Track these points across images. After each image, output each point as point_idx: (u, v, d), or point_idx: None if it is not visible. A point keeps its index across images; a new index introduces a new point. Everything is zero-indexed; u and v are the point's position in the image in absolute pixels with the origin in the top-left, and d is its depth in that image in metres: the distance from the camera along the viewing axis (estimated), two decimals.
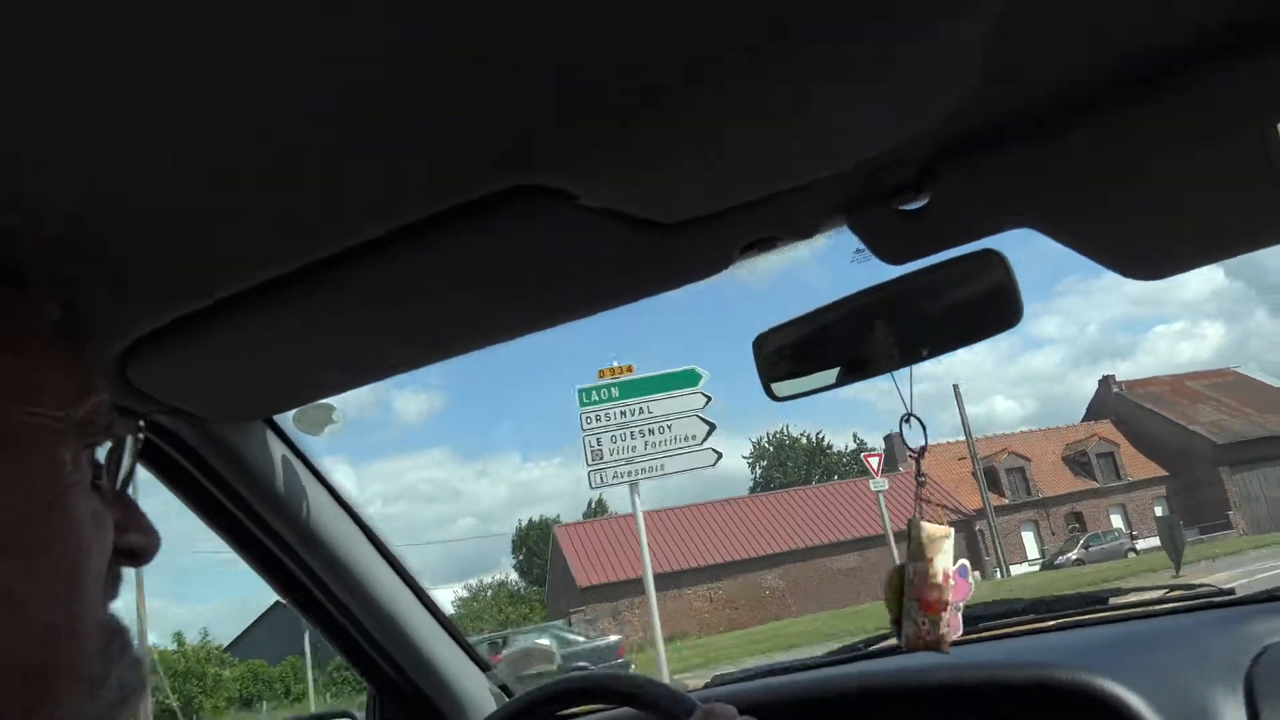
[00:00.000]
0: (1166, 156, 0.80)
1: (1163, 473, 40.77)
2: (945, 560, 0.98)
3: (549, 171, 0.73)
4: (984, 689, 1.25)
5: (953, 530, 0.99)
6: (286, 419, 1.32)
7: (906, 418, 1.02)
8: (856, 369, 1.05)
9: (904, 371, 1.01)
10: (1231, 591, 1.51)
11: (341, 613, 1.44)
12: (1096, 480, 39.99)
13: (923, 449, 1.00)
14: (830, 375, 1.09)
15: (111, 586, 0.60)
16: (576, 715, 1.65)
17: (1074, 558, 32.55)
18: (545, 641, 1.66)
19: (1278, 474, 39.17)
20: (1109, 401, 44.55)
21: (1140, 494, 39.94)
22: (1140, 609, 1.56)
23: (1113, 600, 1.62)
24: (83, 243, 0.71)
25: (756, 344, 1.11)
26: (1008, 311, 0.94)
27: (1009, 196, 0.88)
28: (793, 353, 1.10)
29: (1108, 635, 1.41)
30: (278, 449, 1.29)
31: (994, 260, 0.93)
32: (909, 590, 0.99)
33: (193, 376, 1.03)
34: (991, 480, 38.18)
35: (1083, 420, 45.25)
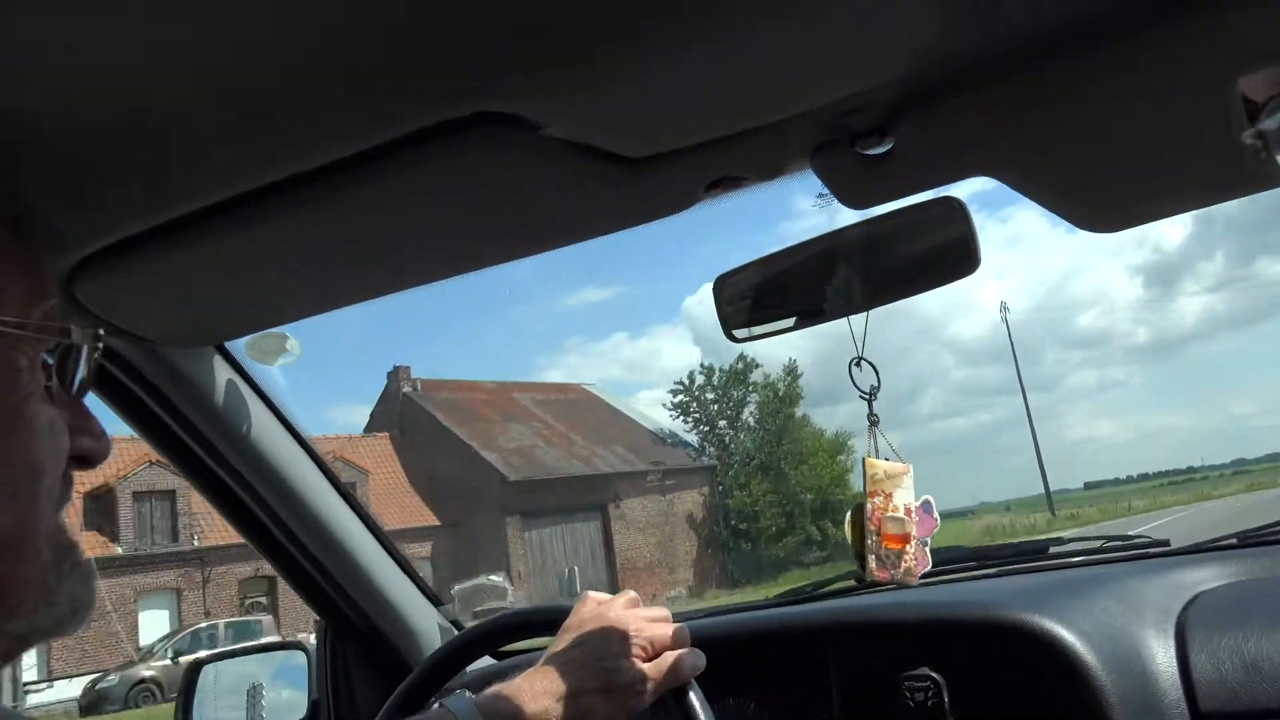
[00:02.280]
0: (1126, 108, 0.81)
1: (429, 520, 28.21)
2: (905, 496, 1.01)
3: (511, 98, 0.72)
4: (929, 627, 1.29)
5: (911, 468, 1.01)
6: (239, 347, 1.30)
7: (857, 361, 1.03)
8: (815, 312, 1.06)
9: (858, 316, 1.02)
10: (1167, 543, 1.56)
11: (293, 544, 1.44)
12: None
13: (874, 389, 1.02)
14: (789, 318, 1.09)
15: (64, 493, 0.60)
16: (523, 651, 1.67)
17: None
18: (498, 578, 1.67)
19: (568, 530, 29.01)
20: (395, 404, 31.45)
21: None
22: (1079, 558, 1.61)
23: (1052, 550, 1.66)
24: (33, 155, 0.69)
25: (717, 285, 1.12)
26: (965, 259, 0.95)
27: (971, 144, 0.88)
28: (752, 295, 1.11)
29: (1047, 581, 1.45)
30: (229, 377, 1.28)
31: (954, 207, 0.94)
32: (869, 525, 1.01)
33: (143, 298, 1.01)
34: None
35: (365, 429, 31.93)
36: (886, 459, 1.02)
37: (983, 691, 1.21)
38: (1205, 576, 1.33)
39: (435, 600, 1.69)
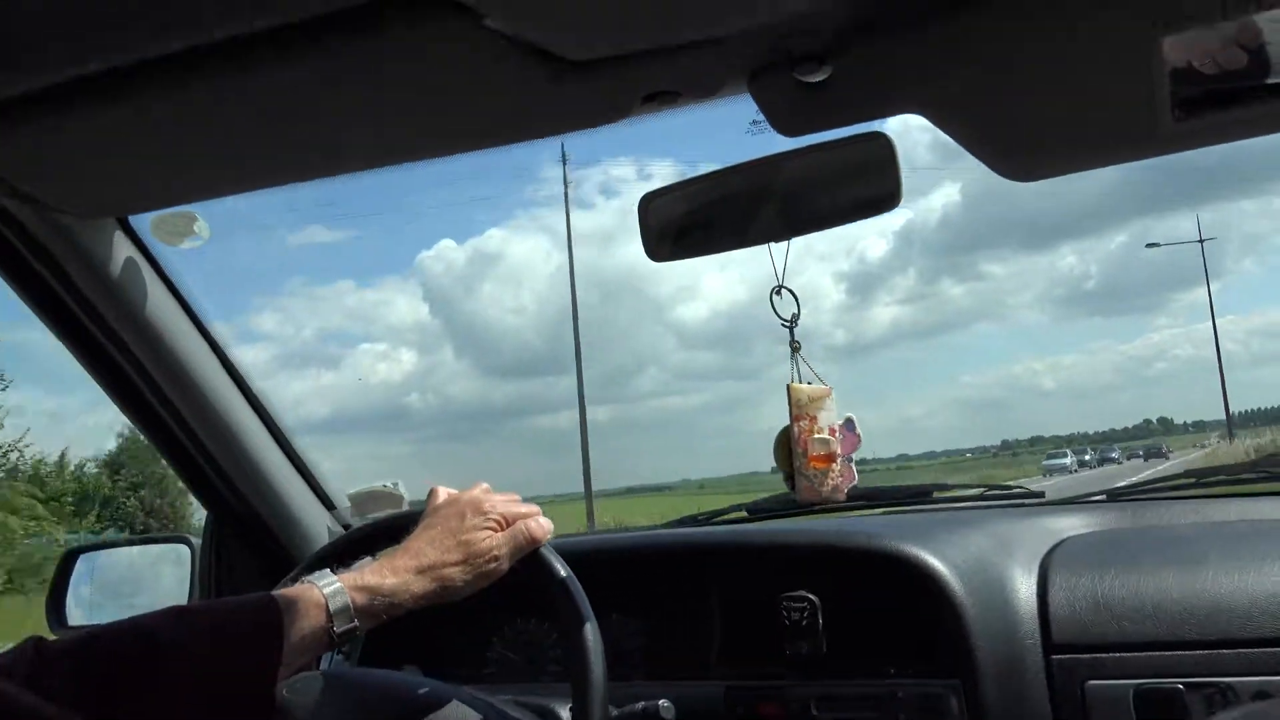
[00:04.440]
0: (1058, 60, 0.84)
1: None
2: (829, 417, 1.04)
3: None
4: (810, 553, 1.35)
5: (832, 389, 1.04)
6: (144, 225, 1.24)
7: (778, 289, 1.05)
8: (739, 237, 1.07)
9: (780, 244, 1.04)
10: (1042, 494, 1.66)
11: (183, 431, 1.40)
12: None
13: (795, 317, 1.04)
14: (711, 242, 1.10)
15: None
16: None
17: None
18: (393, 484, 1.66)
19: None
20: None
21: None
22: (959, 503, 1.69)
23: (936, 494, 1.75)
24: None
25: (642, 203, 1.11)
26: (888, 196, 0.97)
27: (906, 80, 0.90)
28: (678, 215, 1.11)
29: (927, 520, 1.53)
30: (128, 252, 1.22)
31: (882, 142, 0.96)
32: (796, 448, 1.04)
33: (44, 158, 0.95)
34: None
35: None
36: (809, 383, 1.04)
37: (856, 615, 1.28)
38: (1072, 524, 1.42)
39: (329, 503, 1.67)
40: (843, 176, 1.00)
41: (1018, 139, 0.90)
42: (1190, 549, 1.24)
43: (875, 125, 0.98)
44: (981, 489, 1.72)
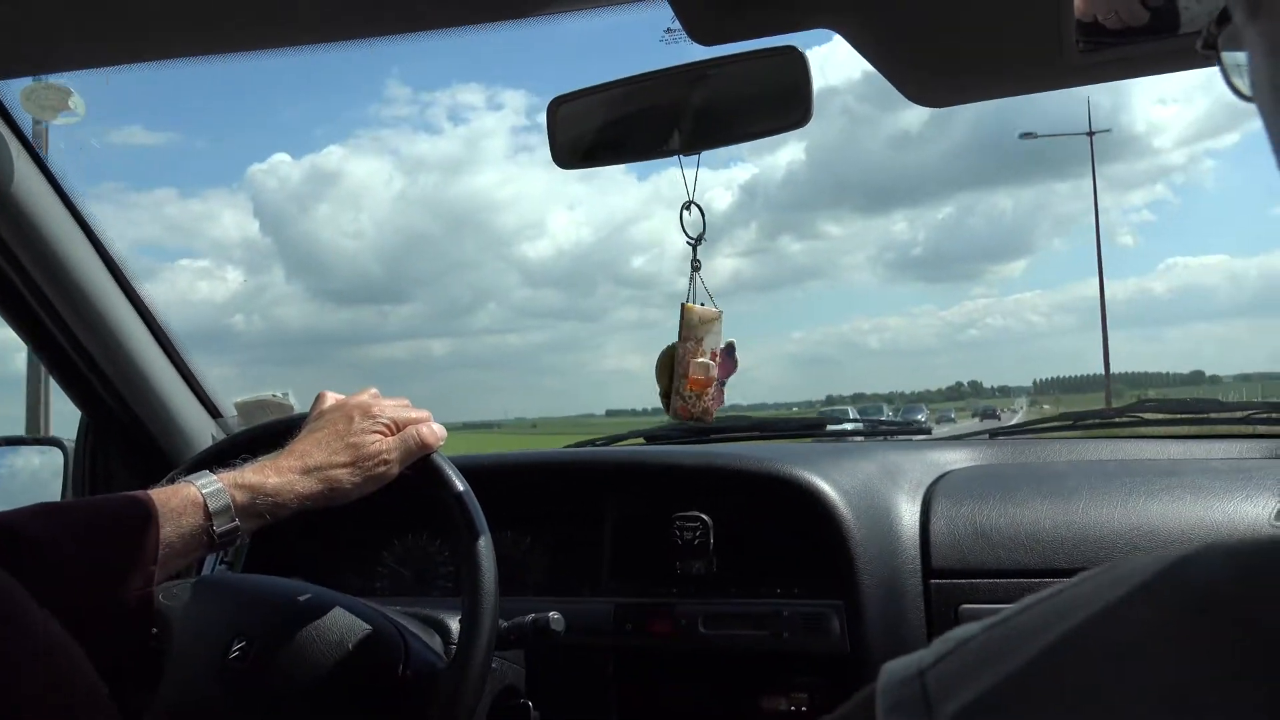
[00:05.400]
0: None
1: None
2: (714, 340, 1.04)
3: None
4: (703, 474, 1.36)
5: (722, 313, 1.04)
6: (14, 96, 1.14)
7: (688, 204, 1.03)
8: (648, 148, 1.05)
9: (691, 158, 1.02)
10: (929, 430, 1.71)
11: (56, 324, 1.31)
12: None
13: (700, 236, 1.03)
14: (619, 151, 1.08)
15: None
16: None
17: None
18: (282, 393, 1.60)
19: None
20: None
21: None
22: (851, 434, 1.73)
23: (829, 426, 1.78)
24: None
25: (551, 107, 1.08)
26: (798, 111, 0.96)
27: None
28: (588, 124, 1.08)
29: (819, 448, 1.56)
30: None
31: (795, 57, 0.95)
32: (679, 368, 1.03)
33: None
34: None
35: None
36: (702, 304, 1.04)
37: (746, 535, 1.30)
38: (956, 458, 1.46)
39: (215, 411, 1.61)
40: (755, 91, 0.99)
41: (927, 63, 0.90)
42: (1063, 484, 1.29)
43: (791, 41, 0.96)
44: (872, 423, 1.76)
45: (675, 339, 1.04)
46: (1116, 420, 1.61)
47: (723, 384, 1.05)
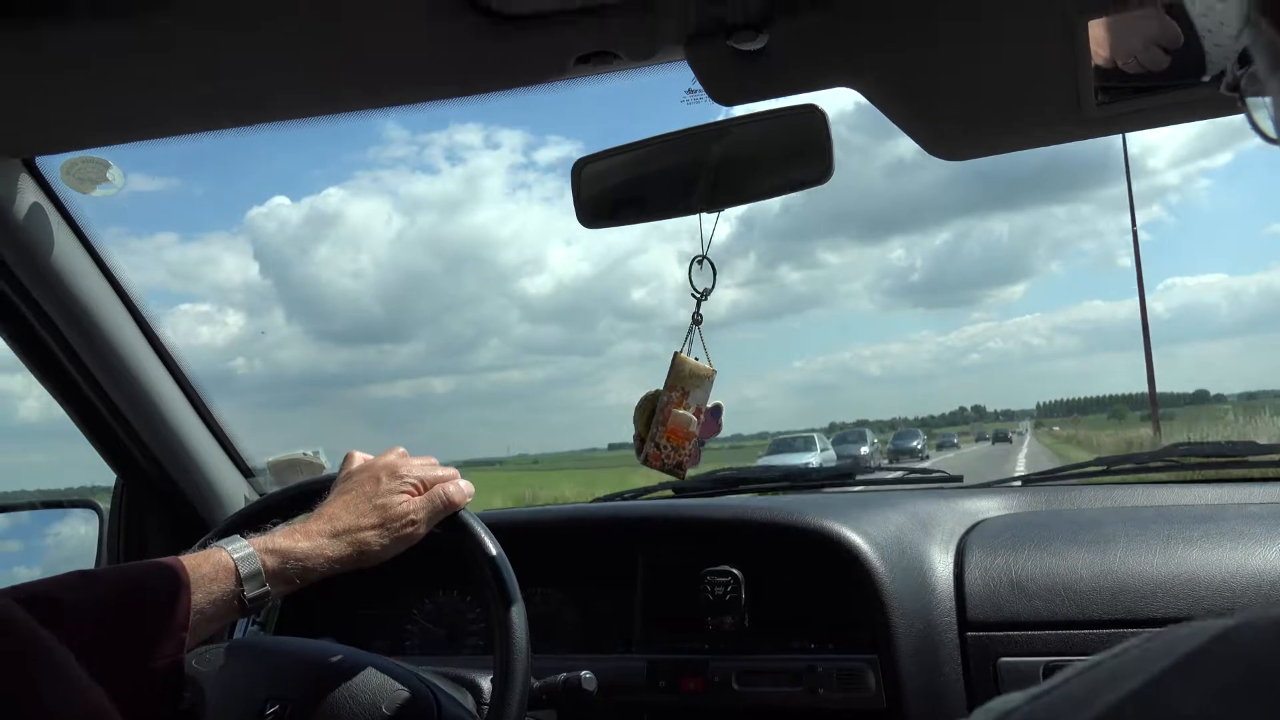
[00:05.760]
0: (989, 40, 0.84)
1: None
2: (701, 398, 1.04)
3: None
4: (734, 528, 1.35)
5: (715, 372, 1.04)
6: (54, 171, 1.17)
7: (699, 260, 1.04)
8: (670, 205, 1.06)
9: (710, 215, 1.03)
10: (960, 478, 1.69)
11: (93, 390, 1.34)
12: None
13: (707, 291, 1.04)
14: (642, 211, 1.10)
15: None
16: None
17: None
18: (313, 452, 1.62)
19: None
20: None
21: None
22: (881, 485, 1.72)
23: (859, 476, 1.77)
24: None
25: (575, 169, 1.10)
26: (820, 168, 0.97)
27: (841, 53, 0.90)
28: (610, 184, 1.10)
29: (849, 499, 1.54)
30: (35, 197, 1.16)
31: (816, 115, 0.96)
32: (659, 414, 1.04)
33: None
34: None
35: None
36: (697, 359, 1.05)
37: (778, 590, 1.29)
38: (989, 506, 1.45)
39: (247, 471, 1.62)
40: (776, 148, 1.00)
41: (947, 117, 0.91)
42: (1099, 532, 1.27)
43: (811, 100, 0.98)
44: (903, 471, 1.75)
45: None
46: (1152, 465, 1.59)
47: (701, 444, 1.05)
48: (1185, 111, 0.84)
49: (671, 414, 1.03)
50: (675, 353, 1.04)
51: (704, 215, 1.03)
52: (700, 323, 1.05)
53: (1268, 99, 0.39)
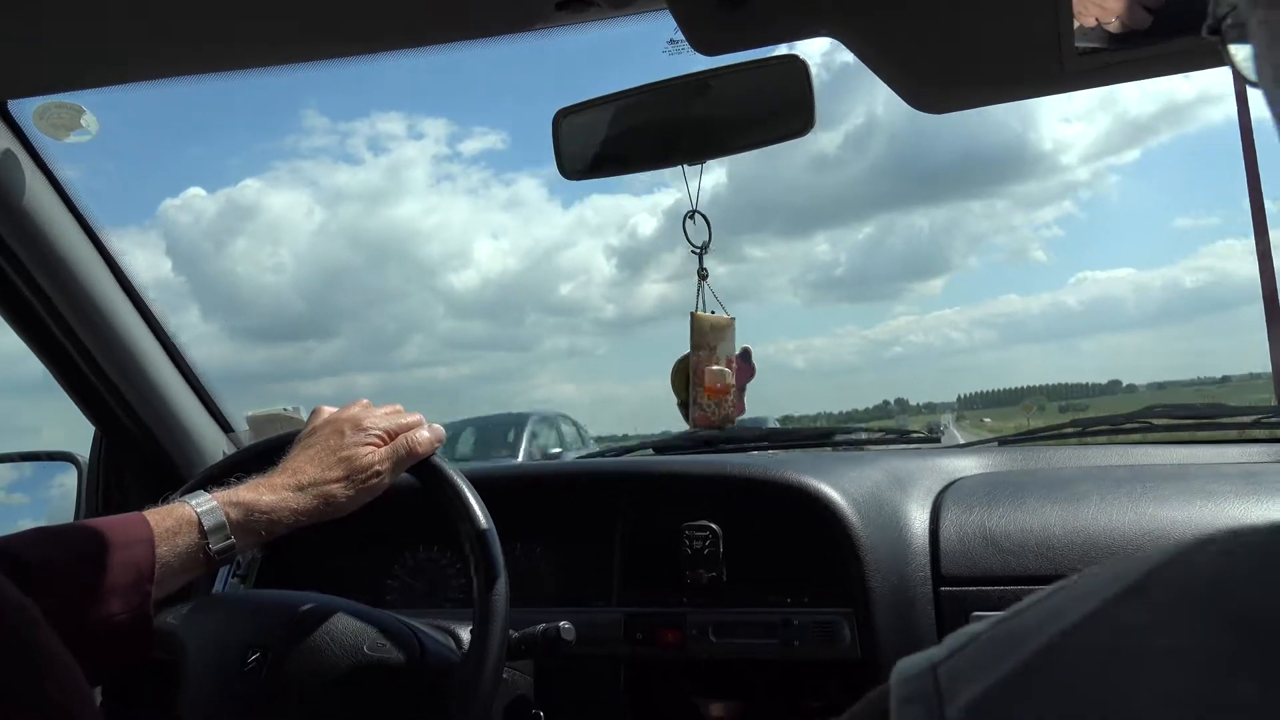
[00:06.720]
0: None
1: None
2: (728, 348, 1.04)
3: None
4: (713, 483, 1.36)
5: (734, 320, 1.05)
6: (27, 115, 1.15)
7: (691, 214, 1.04)
8: (652, 158, 1.06)
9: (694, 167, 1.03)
10: (938, 439, 1.70)
11: (70, 341, 1.32)
12: None
13: (706, 244, 1.04)
14: (624, 162, 1.09)
15: None
16: None
17: None
18: (293, 407, 1.61)
19: None
20: None
21: None
22: (860, 444, 1.73)
23: (838, 436, 1.78)
24: None
25: (556, 120, 1.09)
26: (801, 119, 0.97)
27: (822, 1, 0.89)
28: (593, 135, 1.09)
29: (828, 456, 1.56)
30: (6, 143, 1.14)
31: (797, 66, 0.95)
32: (694, 377, 1.04)
33: None
34: None
35: None
36: (712, 311, 1.05)
37: (756, 544, 1.30)
38: (965, 465, 1.46)
39: (226, 425, 1.62)
40: (757, 98, 1.00)
41: (929, 70, 0.91)
42: (1073, 489, 1.29)
43: (794, 51, 0.97)
44: (881, 432, 1.76)
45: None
46: (1125, 426, 1.61)
47: (742, 389, 1.06)
48: (1165, 64, 0.84)
49: (706, 372, 1.04)
50: (691, 312, 1.04)
51: (686, 169, 1.02)
52: (706, 277, 1.05)
53: (1249, 45, 0.39)
